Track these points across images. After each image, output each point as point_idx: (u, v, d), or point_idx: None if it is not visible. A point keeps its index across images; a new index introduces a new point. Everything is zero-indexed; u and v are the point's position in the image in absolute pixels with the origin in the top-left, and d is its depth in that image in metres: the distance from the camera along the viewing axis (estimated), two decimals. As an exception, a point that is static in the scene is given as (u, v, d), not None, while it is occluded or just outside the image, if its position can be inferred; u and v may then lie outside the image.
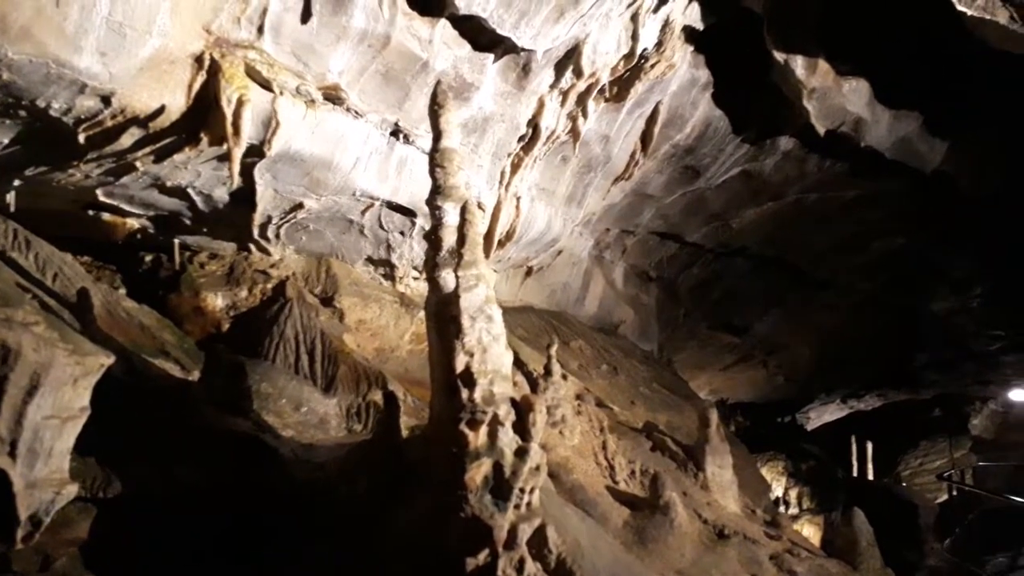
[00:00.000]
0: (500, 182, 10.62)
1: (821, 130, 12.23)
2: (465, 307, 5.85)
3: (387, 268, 10.72)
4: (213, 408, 6.79)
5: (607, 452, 9.70)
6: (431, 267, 6.12)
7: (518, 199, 11.04)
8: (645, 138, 12.04)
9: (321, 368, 8.58)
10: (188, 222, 9.11)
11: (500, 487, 5.79)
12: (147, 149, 7.15)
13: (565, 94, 10.17)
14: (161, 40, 6.29)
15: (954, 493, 23.51)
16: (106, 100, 6.27)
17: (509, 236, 11.22)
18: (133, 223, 9.01)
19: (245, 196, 8.63)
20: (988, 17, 8.98)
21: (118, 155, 7.10)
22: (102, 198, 7.98)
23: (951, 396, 30.93)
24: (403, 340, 10.24)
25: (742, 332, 21.85)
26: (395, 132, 9.04)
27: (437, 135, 6.30)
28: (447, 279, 6.03)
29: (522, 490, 5.81)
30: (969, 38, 9.85)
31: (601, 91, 10.45)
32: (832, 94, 11.73)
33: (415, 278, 11.00)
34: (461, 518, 5.60)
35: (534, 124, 10.23)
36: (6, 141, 6.60)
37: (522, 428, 5.96)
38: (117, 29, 5.97)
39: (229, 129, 6.90)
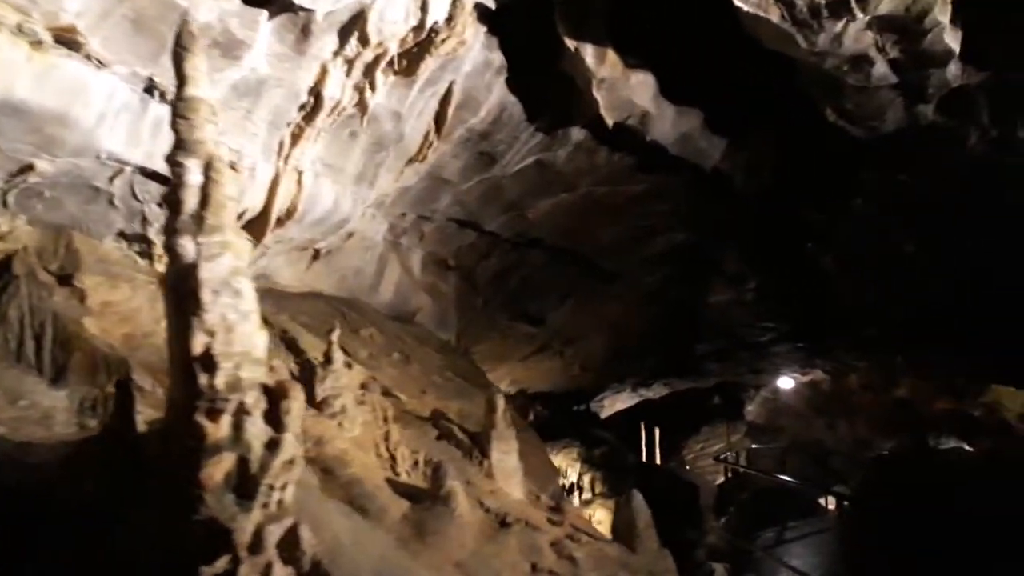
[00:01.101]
0: (279, 153, 9.73)
1: (610, 122, 12.36)
2: (206, 279, 5.03)
3: (143, 244, 9.49)
4: None
5: (389, 443, 9.15)
6: (169, 233, 5.24)
7: (300, 174, 10.18)
8: (439, 119, 11.58)
9: (50, 356, 7.33)
10: None
11: (245, 484, 5.05)
12: None
13: (351, 63, 9.46)
14: None
15: (729, 475, 25.20)
16: None
17: (290, 214, 10.33)
18: None
19: (-44, 152, 7.19)
20: (762, 14, 9.31)
21: None
22: None
23: (729, 384, 33.27)
24: (160, 325, 9.00)
25: (539, 323, 22.04)
26: (150, 89, 7.93)
27: (181, 81, 5.42)
28: (187, 247, 5.18)
29: (271, 487, 5.11)
30: (745, 36, 10.22)
31: (391, 64, 9.84)
32: (620, 86, 11.86)
33: (180, 257, 9.80)
34: (197, 521, 4.81)
35: (316, 93, 9.44)
36: None
37: (275, 418, 5.25)
38: None
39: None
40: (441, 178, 13.19)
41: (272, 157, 9.69)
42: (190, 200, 5.32)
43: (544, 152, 13.74)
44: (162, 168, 8.33)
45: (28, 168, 7.70)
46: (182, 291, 5.15)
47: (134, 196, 8.82)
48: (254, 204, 9.90)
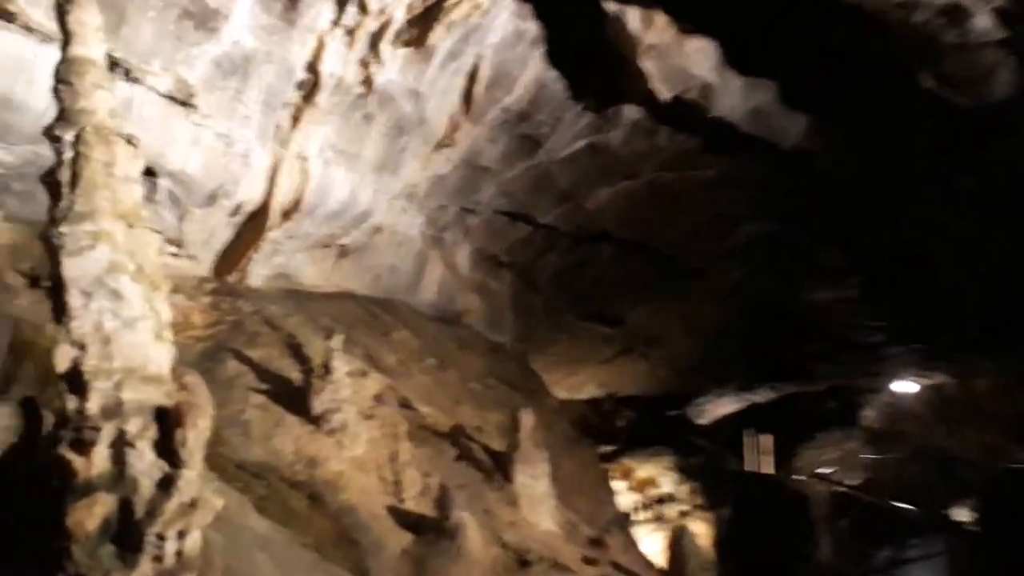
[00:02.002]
0: (276, 138, 8.93)
1: (664, 96, 11.05)
2: (72, 277, 4.14)
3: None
4: None
5: (396, 464, 8.16)
6: (47, 222, 4.40)
7: (305, 161, 9.34)
8: (468, 98, 10.55)
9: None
10: None
11: (128, 533, 4.13)
12: None
13: (352, 34, 8.60)
14: None
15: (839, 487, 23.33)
16: None
17: (297, 206, 9.52)
18: None
19: (-102, 142, 6.64)
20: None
21: None
22: None
23: (843, 388, 30.92)
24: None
25: (616, 323, 20.75)
26: (112, 66, 7.18)
27: (65, 39, 4.56)
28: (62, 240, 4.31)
29: (161, 536, 4.16)
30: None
31: (399, 35, 8.88)
32: (673, 53, 10.57)
33: (174, 255, 9.16)
34: (62, 582, 3.92)
35: (314, 69, 8.61)
36: None
37: (170, 449, 4.32)
38: None
39: None
40: (479, 166, 12.16)
41: (269, 143, 8.92)
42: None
43: (596, 134, 12.52)
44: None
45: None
46: (54, 294, 4.30)
47: (112, 189, 8.16)
48: (252, 195, 9.14)
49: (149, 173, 8.14)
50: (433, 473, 8.28)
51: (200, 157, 8.36)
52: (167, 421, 4.32)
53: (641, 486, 21.71)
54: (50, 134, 4.48)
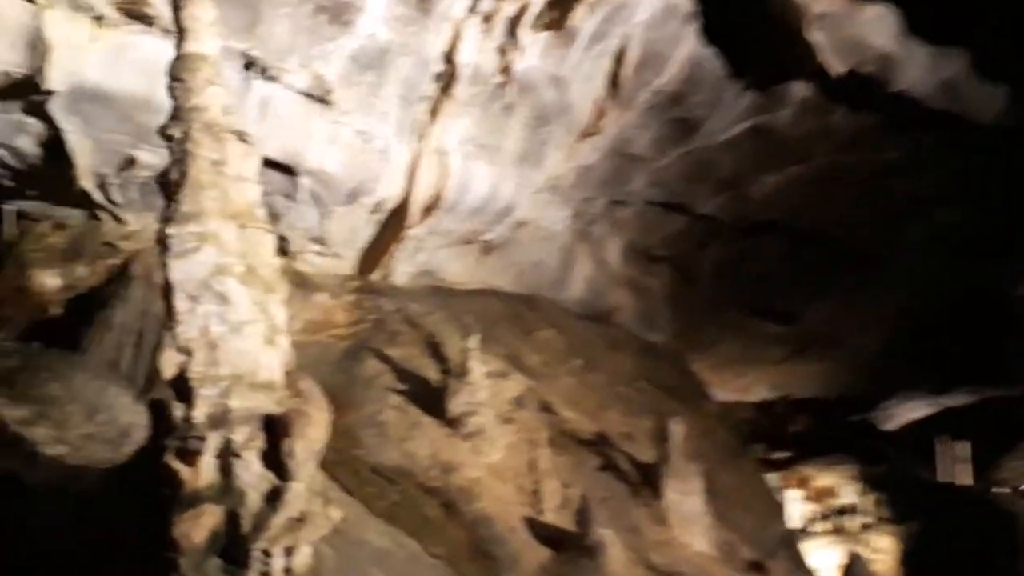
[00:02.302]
0: (415, 133, 8.82)
1: (837, 71, 10.05)
2: (179, 281, 4.06)
3: (278, 241, 8.99)
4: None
5: (535, 473, 7.85)
6: (161, 223, 4.37)
7: (444, 155, 9.19)
8: (614, 82, 10.04)
9: (146, 366, 6.92)
10: (11, 183, 7.61)
11: (235, 547, 4.02)
12: None
13: (488, 20, 8.35)
14: None
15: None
16: None
17: (438, 202, 9.39)
18: (-63, 186, 7.54)
19: (59, 148, 7.03)
20: None
21: None
22: None
23: (1056, 392, 27.86)
24: (290, 329, 8.50)
25: (789, 321, 19.48)
26: (249, 65, 7.33)
27: (179, 36, 4.53)
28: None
29: (266, 552, 4.02)
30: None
31: (538, 18, 8.53)
32: (846, 23, 9.59)
33: (318, 253, 9.29)
34: (169, 596, 3.85)
35: (450, 59, 8.42)
36: None
37: (278, 460, 4.17)
38: None
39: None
40: (629, 154, 11.60)
41: (408, 138, 8.83)
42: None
43: (760, 115, 11.63)
44: (276, 154, 7.78)
45: (131, 161, 7.42)
46: (164, 298, 4.25)
47: (256, 188, 8.34)
48: (392, 192, 9.10)
49: (289, 172, 8.26)
50: (574, 484, 7.89)
51: (339, 155, 8.38)
52: (276, 431, 4.19)
53: (819, 496, 20.45)
54: (164, 133, 4.46)
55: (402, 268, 10.23)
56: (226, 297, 4.14)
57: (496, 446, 7.94)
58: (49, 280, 7.80)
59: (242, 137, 4.52)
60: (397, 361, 8.70)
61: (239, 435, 4.07)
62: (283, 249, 9.18)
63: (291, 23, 7.31)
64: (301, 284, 9.02)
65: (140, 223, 8.49)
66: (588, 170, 11.61)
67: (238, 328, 4.17)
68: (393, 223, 9.44)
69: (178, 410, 4.05)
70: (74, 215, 8.36)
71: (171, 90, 4.48)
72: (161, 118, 6.91)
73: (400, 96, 8.48)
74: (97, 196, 7.92)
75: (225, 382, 4.11)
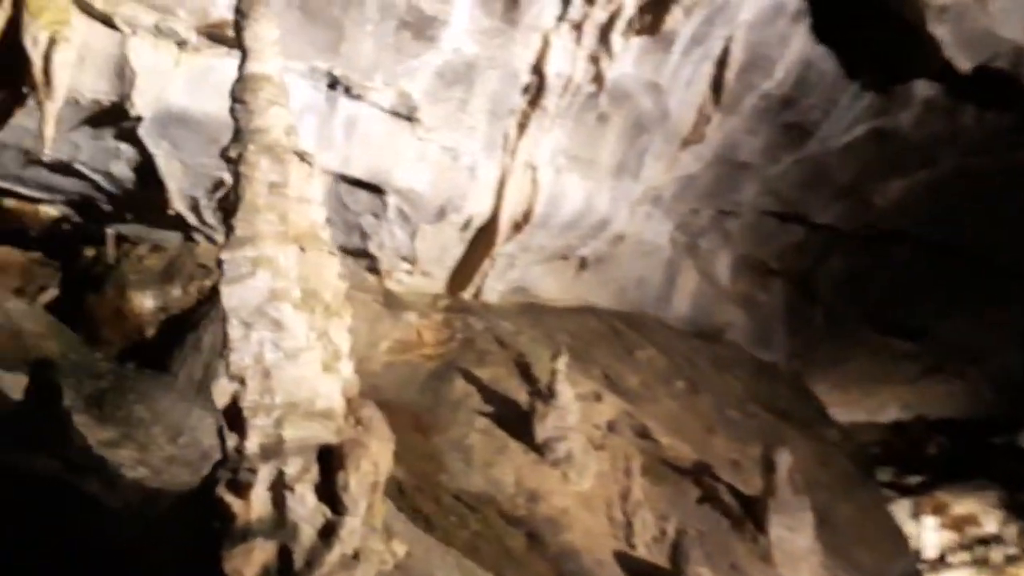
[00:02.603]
0: (504, 148, 8.68)
1: (964, 67, 9.27)
2: (233, 307, 4.01)
3: (368, 260, 9.11)
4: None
5: (628, 504, 7.50)
6: (221, 245, 4.36)
7: (534, 170, 9.02)
8: (717, 87, 9.60)
9: (232, 386, 7.03)
10: (108, 207, 7.95)
11: (288, 585, 3.91)
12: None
13: (579, 28, 8.14)
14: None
15: None
16: None
17: (527, 217, 9.23)
18: (49, 211, 8.03)
19: (151, 172, 7.29)
20: None
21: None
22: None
23: None
24: (378, 349, 8.57)
25: (920, 336, 18.33)
26: (334, 84, 7.38)
27: (242, 56, 4.52)
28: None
29: (320, 591, 3.89)
30: None
31: (630, 23, 8.25)
32: (973, 14, 8.79)
33: (408, 272, 9.27)
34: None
35: (539, 70, 8.26)
36: None
37: (331, 493, 4.04)
38: None
39: (38, 77, 5.51)
40: (736, 161, 11.10)
41: (496, 153, 8.70)
42: (244, 204, 4.39)
43: (879, 117, 10.94)
44: (363, 174, 7.82)
45: (221, 183, 7.60)
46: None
47: (345, 207, 8.41)
48: (480, 209, 8.99)
49: (377, 191, 8.27)
50: (670, 516, 7.48)
51: (426, 173, 8.35)
52: (330, 462, 4.07)
53: (957, 524, 19.08)
54: (225, 155, 4.44)
55: (494, 285, 10.10)
56: (281, 323, 4.05)
57: (586, 474, 7.64)
58: (146, 302, 8.10)
59: (304, 158, 4.45)
60: (485, 382, 8.54)
61: (292, 467, 3.96)
62: (373, 268, 9.25)
63: (375, 41, 7.31)
64: (390, 303, 9.04)
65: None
66: (691, 180, 11.18)
67: (293, 355, 4.08)
68: (483, 240, 9.32)
69: (231, 440, 3.98)
70: (171, 237, 8.68)
71: (233, 112, 4.45)
72: (248, 140, 7.05)
73: (488, 111, 8.38)
74: (191, 218, 8.18)
75: (279, 411, 4.02)
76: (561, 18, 8.02)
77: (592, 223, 10.12)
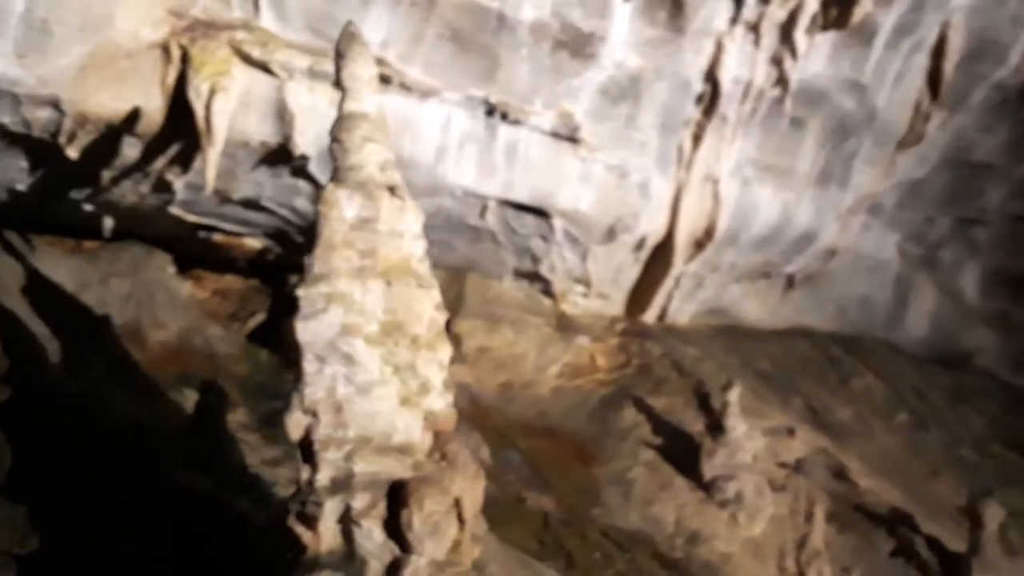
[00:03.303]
0: (679, 163, 8.27)
1: None
2: (307, 342, 4.14)
3: (541, 283, 9.05)
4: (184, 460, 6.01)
5: (804, 552, 6.82)
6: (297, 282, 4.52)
7: (715, 183, 8.48)
8: (935, 81, 8.47)
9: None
10: (300, 239, 8.62)
11: (355, 617, 3.96)
12: (161, 159, 6.74)
13: (755, 29, 7.57)
14: (102, 33, 5.76)
15: None
16: (56, 107, 5.92)
17: (709, 234, 8.69)
18: (252, 243, 8.82)
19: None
20: None
21: (138, 168, 6.81)
22: (181, 213, 7.78)
23: None
24: (547, 373, 8.47)
25: None
26: (491, 111, 7.45)
27: (341, 95, 4.69)
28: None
29: (384, 627, 3.89)
30: None
31: (814, 20, 7.53)
32: None
33: (583, 294, 9.08)
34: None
35: (713, 78, 7.79)
36: (26, 166, 6.70)
37: (397, 529, 4.03)
38: (40, 27, 5.58)
39: (200, 124, 6.12)
40: (974, 162, 9.75)
41: (670, 168, 8.30)
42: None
43: None
44: (525, 198, 7.87)
45: (394, 213, 7.95)
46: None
47: (512, 231, 8.44)
48: (654, 227, 8.61)
49: (542, 214, 8.22)
50: (853, 569, 6.68)
51: (591, 194, 8.15)
52: (399, 498, 4.07)
53: None
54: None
55: (682, 307, 9.61)
56: (352, 358, 4.14)
57: (758, 517, 7.01)
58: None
59: (393, 191, 4.52)
60: (659, 412, 8.14)
61: (359, 501, 4.01)
62: (547, 291, 9.18)
63: (531, 64, 7.28)
64: (563, 326, 8.91)
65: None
66: (917, 185, 9.95)
67: (366, 389, 4.14)
68: (660, 260, 8.92)
69: (304, 472, 4.12)
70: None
71: (331, 151, 4.64)
72: (409, 173, 7.35)
73: (659, 124, 8.03)
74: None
75: (350, 445, 4.10)
76: (734, 20, 7.52)
77: (793, 237, 9.31)
